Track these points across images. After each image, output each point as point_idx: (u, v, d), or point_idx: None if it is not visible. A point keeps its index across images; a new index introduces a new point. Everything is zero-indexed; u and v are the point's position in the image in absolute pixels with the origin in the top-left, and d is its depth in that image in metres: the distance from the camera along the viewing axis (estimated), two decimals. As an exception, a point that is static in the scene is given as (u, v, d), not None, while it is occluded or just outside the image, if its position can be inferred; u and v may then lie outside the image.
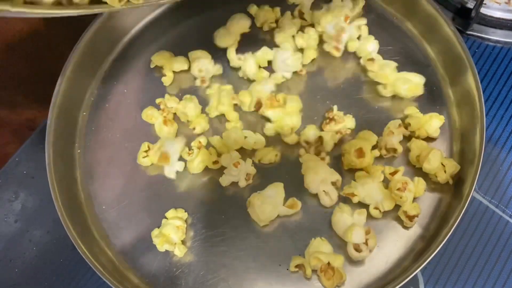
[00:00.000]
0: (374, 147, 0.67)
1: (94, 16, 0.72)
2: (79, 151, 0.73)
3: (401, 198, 0.62)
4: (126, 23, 0.77)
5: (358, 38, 0.73)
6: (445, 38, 0.68)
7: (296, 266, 0.63)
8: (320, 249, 0.62)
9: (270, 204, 0.64)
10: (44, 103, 0.70)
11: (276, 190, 0.65)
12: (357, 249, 0.61)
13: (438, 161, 0.63)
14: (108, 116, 0.74)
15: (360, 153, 0.64)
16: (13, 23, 0.76)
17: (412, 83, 0.68)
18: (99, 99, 0.76)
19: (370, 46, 0.72)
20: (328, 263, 0.61)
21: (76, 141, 0.73)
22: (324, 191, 0.65)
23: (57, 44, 0.82)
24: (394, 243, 0.63)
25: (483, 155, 0.61)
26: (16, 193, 0.78)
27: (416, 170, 0.67)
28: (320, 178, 0.64)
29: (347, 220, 0.63)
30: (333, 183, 0.65)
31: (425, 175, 0.65)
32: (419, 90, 0.69)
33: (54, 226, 0.74)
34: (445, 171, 0.64)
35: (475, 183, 0.59)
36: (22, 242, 0.75)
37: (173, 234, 0.64)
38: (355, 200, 0.64)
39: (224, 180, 0.67)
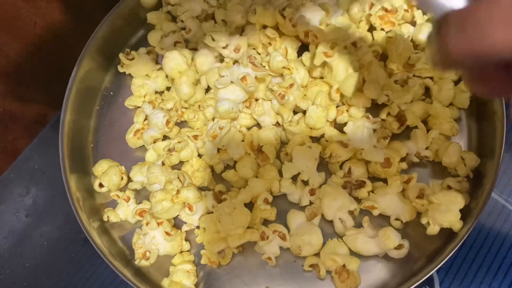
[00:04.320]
0: (402, 159, 0.64)
1: (108, 11, 0.72)
2: (92, 145, 0.73)
3: (422, 206, 0.61)
4: (139, 18, 0.77)
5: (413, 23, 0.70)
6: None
7: (311, 266, 0.62)
8: (337, 250, 0.61)
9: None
10: (56, 99, 0.70)
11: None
12: (397, 247, 0.60)
13: (457, 154, 0.62)
14: (121, 111, 0.74)
15: (387, 163, 0.62)
16: (28, 18, 0.75)
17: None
18: (112, 94, 0.76)
19: (425, 32, 0.68)
20: (344, 266, 0.60)
21: (89, 136, 0.73)
22: (340, 218, 0.63)
23: (71, 40, 0.82)
24: (409, 242, 0.61)
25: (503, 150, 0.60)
26: (27, 188, 0.78)
27: (433, 167, 0.66)
28: (338, 205, 0.62)
29: (366, 240, 0.61)
30: (351, 212, 0.63)
31: (444, 170, 0.65)
32: None
33: (65, 221, 0.74)
34: (465, 165, 0.63)
35: (497, 176, 0.58)
36: (33, 237, 0.74)
37: (185, 280, 0.62)
38: (375, 212, 0.62)
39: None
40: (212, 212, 0.63)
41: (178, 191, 0.62)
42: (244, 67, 0.64)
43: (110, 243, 0.66)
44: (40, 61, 0.82)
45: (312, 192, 0.64)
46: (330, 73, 0.64)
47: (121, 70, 0.74)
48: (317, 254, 0.62)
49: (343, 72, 0.63)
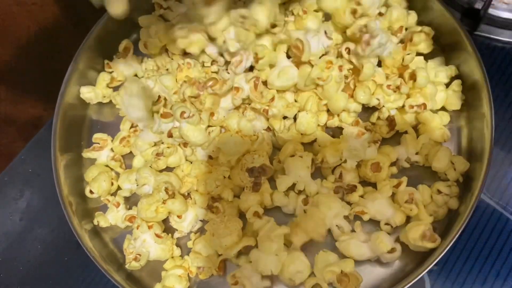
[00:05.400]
0: (392, 164, 0.65)
1: (101, 14, 0.72)
2: (85, 149, 0.73)
3: (411, 210, 0.61)
4: (132, 21, 0.77)
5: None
6: (455, 40, 0.67)
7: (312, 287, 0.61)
8: (328, 261, 0.61)
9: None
10: (50, 102, 0.70)
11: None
12: (390, 251, 0.60)
13: (447, 159, 0.62)
14: (114, 115, 0.74)
15: (377, 167, 0.63)
16: (21, 21, 0.76)
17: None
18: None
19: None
20: (341, 271, 0.59)
21: (83, 139, 0.74)
22: (337, 226, 0.62)
23: (65, 43, 0.81)
24: (400, 244, 0.61)
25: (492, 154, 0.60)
26: (21, 191, 0.77)
27: (423, 171, 0.66)
28: (333, 213, 0.62)
29: (359, 245, 0.61)
30: (346, 217, 0.63)
31: (434, 174, 0.65)
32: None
33: (59, 225, 0.73)
34: (454, 169, 0.63)
35: (485, 180, 0.58)
36: (26, 241, 0.74)
37: (177, 285, 0.62)
38: (365, 217, 0.62)
39: None
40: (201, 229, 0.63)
41: (164, 201, 0.62)
42: (246, 82, 0.64)
43: (102, 247, 0.66)
44: (34, 64, 0.82)
45: (305, 202, 0.63)
46: (320, 87, 0.64)
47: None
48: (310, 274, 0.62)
49: (333, 92, 0.63)
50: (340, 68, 0.63)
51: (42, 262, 0.73)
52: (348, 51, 0.64)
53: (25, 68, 0.81)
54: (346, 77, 0.64)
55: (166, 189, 0.62)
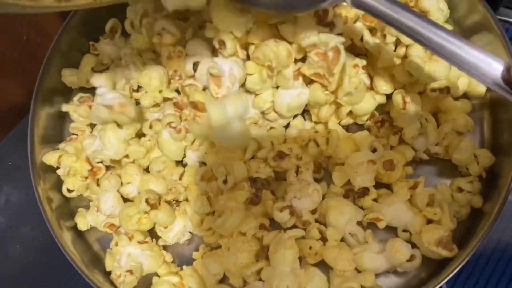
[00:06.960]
0: (408, 163, 0.59)
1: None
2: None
3: (435, 214, 0.55)
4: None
5: None
6: (477, 20, 0.62)
7: None
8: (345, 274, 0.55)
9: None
10: (33, 90, 0.65)
11: None
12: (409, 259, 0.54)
13: (470, 150, 0.56)
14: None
15: (390, 165, 0.57)
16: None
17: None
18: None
19: None
20: (361, 286, 0.53)
21: (64, 129, 0.68)
22: (350, 233, 0.56)
23: (46, 27, 0.77)
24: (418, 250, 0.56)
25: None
26: (0, 186, 0.74)
27: (441, 165, 0.60)
28: (345, 218, 0.55)
29: (373, 257, 0.55)
30: (359, 223, 0.56)
31: (454, 169, 0.59)
32: None
33: (40, 223, 0.68)
34: (477, 163, 0.57)
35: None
36: (5, 240, 0.71)
37: None
38: (381, 225, 0.55)
39: None
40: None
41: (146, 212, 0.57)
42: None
43: (86, 249, 0.62)
44: (16, 51, 0.77)
45: (313, 211, 0.57)
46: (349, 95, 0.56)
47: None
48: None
49: (362, 96, 0.56)
50: (364, 68, 0.57)
51: (21, 263, 0.70)
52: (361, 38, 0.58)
53: (6, 54, 0.76)
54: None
55: (147, 200, 0.56)
